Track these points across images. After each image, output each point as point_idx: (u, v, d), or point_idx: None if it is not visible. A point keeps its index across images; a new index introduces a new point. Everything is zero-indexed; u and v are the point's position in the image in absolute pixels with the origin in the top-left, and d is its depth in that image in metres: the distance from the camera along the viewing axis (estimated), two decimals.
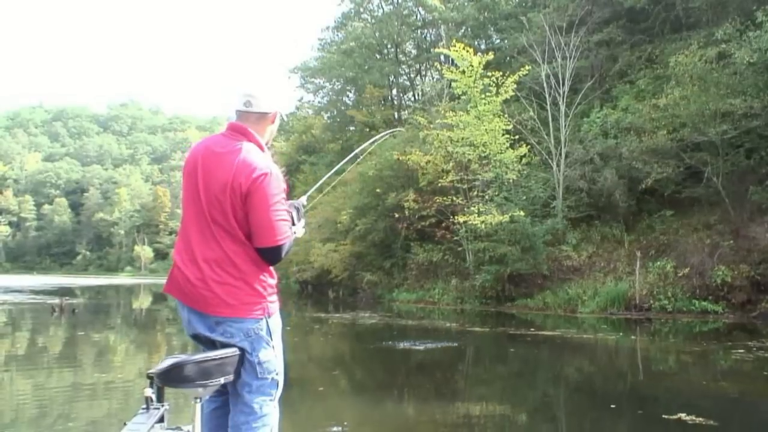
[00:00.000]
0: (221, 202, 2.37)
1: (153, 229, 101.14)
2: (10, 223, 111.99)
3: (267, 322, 2.44)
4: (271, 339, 2.47)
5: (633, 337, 12.25)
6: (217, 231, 2.40)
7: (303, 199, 2.81)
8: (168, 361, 2.31)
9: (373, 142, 4.29)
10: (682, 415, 5.27)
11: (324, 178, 3.89)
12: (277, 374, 2.50)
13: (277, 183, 2.39)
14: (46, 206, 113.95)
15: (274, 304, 2.50)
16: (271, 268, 2.51)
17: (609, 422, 5.60)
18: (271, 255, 2.43)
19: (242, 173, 2.34)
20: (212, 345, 2.43)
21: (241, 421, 2.45)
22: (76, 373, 8.42)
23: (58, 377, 8.19)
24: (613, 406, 6.22)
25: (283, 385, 2.52)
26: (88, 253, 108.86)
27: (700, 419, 5.17)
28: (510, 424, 5.66)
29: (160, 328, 15.92)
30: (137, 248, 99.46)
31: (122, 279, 74.27)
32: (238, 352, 2.40)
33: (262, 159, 2.42)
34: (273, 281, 2.51)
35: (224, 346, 2.40)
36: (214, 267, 2.38)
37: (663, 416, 5.40)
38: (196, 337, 2.48)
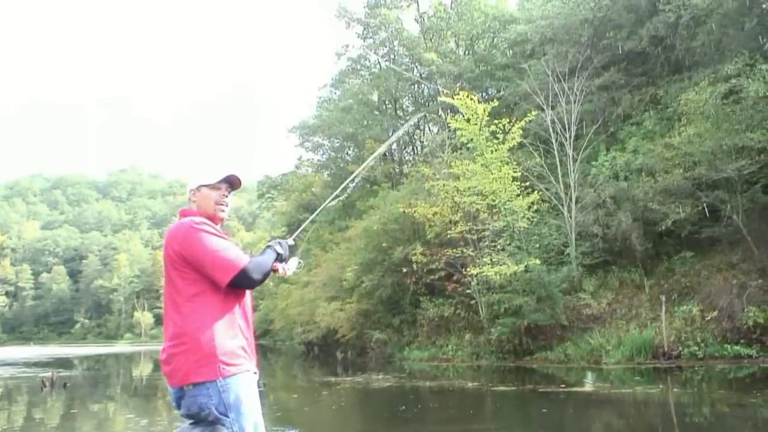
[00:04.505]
0: (169, 275, 2.62)
1: (153, 294, 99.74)
2: (7, 293, 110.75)
3: (219, 390, 2.46)
4: (226, 415, 2.48)
5: (675, 389, 11.36)
6: (172, 305, 2.59)
7: (290, 240, 3.05)
8: None
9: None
10: None
11: (309, 219, 4.40)
12: None
13: (196, 229, 2.60)
14: (44, 275, 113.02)
15: (231, 366, 2.51)
16: (237, 329, 2.59)
17: None
18: (240, 282, 2.58)
19: (169, 247, 2.61)
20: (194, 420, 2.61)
21: None
22: None
23: None
24: None
25: None
26: (86, 321, 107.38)
27: None
28: None
29: (161, 395, 14.93)
30: (137, 314, 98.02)
31: (122, 347, 72.76)
32: None
33: (181, 222, 2.69)
34: (231, 344, 2.54)
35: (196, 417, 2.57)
36: (172, 339, 2.54)
37: None
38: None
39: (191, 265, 2.55)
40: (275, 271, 2.82)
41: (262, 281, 2.67)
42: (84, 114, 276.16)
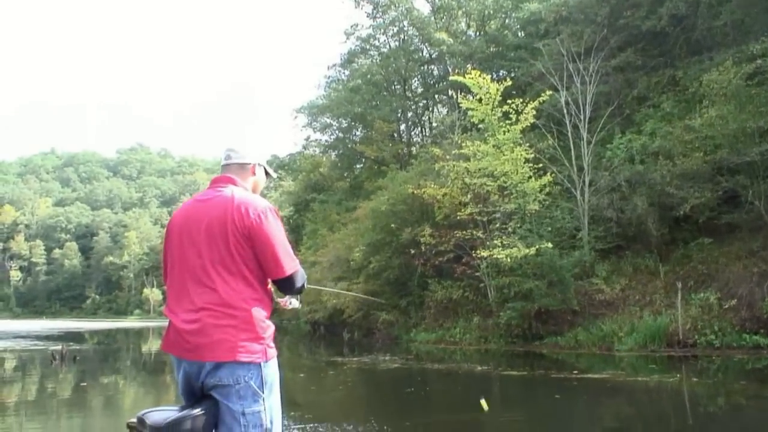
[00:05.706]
0: (224, 241, 2.40)
1: (162, 272, 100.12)
2: (21, 268, 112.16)
3: (261, 369, 2.37)
4: (262, 391, 2.36)
5: (693, 379, 11.01)
6: (215, 273, 2.38)
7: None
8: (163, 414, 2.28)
9: None
10: None
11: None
12: (265, 429, 2.38)
13: (275, 216, 2.49)
14: (57, 251, 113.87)
15: (272, 349, 2.45)
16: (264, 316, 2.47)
17: None
18: (286, 282, 2.51)
19: (240, 212, 2.41)
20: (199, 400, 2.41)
21: None
22: None
23: None
24: None
25: None
26: (97, 296, 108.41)
27: None
28: None
29: (169, 370, 14.68)
30: (146, 291, 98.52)
31: (131, 322, 73.29)
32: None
33: (256, 198, 2.54)
34: (271, 326, 2.47)
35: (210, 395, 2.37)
36: (213, 308, 2.33)
37: None
38: (190, 394, 2.43)
39: (252, 245, 2.41)
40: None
41: (298, 291, 2.62)
42: (84, 114, 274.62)
